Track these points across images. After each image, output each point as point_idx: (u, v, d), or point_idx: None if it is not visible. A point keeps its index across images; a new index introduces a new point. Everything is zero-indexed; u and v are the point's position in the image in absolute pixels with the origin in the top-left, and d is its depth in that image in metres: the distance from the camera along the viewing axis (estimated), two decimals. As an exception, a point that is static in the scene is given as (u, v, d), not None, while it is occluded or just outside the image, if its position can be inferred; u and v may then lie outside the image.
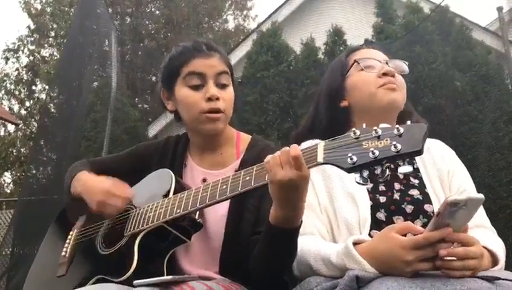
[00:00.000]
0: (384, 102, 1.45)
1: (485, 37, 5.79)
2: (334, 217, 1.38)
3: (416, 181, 1.43)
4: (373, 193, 1.39)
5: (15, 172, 15.92)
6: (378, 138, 0.98)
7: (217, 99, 1.46)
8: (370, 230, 1.32)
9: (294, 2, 7.87)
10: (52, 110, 5.87)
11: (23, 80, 16.94)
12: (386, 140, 0.96)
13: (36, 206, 4.75)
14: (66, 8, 15.77)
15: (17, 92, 17.06)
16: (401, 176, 1.43)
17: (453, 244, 1.06)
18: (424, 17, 5.45)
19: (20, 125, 15.86)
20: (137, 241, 1.35)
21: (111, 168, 1.66)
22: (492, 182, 4.55)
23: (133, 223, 1.41)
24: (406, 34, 5.26)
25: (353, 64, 1.54)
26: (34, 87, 16.86)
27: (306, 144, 1.15)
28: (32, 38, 16.78)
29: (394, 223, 1.32)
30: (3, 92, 17.00)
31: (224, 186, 1.23)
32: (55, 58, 15.71)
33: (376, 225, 1.33)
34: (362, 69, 1.51)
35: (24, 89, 16.99)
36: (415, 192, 1.40)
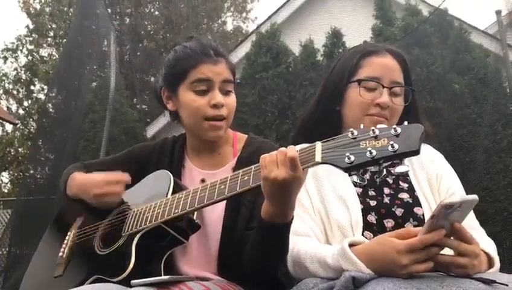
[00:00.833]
0: None
1: (483, 40, 5.79)
2: (327, 219, 1.39)
3: (405, 185, 1.44)
4: (363, 197, 1.40)
5: (13, 172, 15.91)
6: (376, 138, 0.98)
7: (222, 106, 1.47)
8: (363, 232, 1.33)
9: (293, 4, 7.88)
10: (51, 110, 5.87)
11: (22, 80, 16.93)
12: (384, 140, 0.97)
13: (34, 206, 4.75)
14: (65, 8, 15.77)
15: (15, 92, 17.06)
16: (391, 181, 1.44)
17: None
18: (423, 20, 5.46)
19: (18, 125, 15.85)
20: (134, 242, 1.35)
21: (107, 170, 1.67)
22: (490, 185, 4.55)
23: (131, 223, 1.41)
24: (404, 36, 5.27)
25: (356, 81, 1.49)
26: (32, 87, 16.86)
27: (301, 146, 1.16)
28: (31, 38, 16.78)
29: (385, 226, 1.33)
30: (1, 91, 17.01)
31: (222, 186, 1.23)
32: (54, 58, 15.71)
33: (368, 227, 1.34)
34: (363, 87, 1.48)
35: (22, 88, 16.99)
36: (404, 195, 1.41)
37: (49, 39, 16.62)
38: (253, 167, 1.18)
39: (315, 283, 1.22)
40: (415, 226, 1.33)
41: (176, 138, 1.69)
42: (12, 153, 16.00)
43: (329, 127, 1.44)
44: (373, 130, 0.99)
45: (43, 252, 1.70)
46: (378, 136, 0.98)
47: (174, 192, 1.39)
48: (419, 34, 5.22)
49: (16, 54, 16.96)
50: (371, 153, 0.97)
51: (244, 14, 17.79)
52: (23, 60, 17.01)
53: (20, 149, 16.02)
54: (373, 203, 1.38)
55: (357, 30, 6.02)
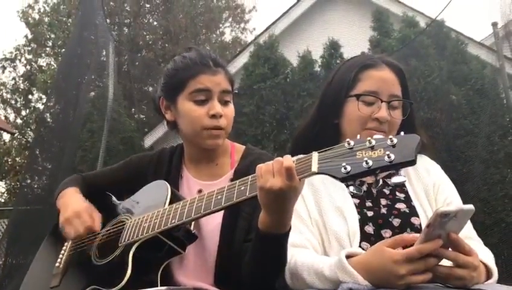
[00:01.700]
0: None
1: (480, 51, 5.84)
2: (324, 230, 1.39)
3: (402, 195, 1.45)
4: (360, 208, 1.40)
5: (9, 181, 15.85)
6: (372, 148, 0.99)
7: (220, 116, 1.48)
8: (360, 242, 1.33)
9: (291, 15, 7.93)
10: (48, 119, 5.87)
11: (20, 89, 16.94)
12: (380, 150, 0.98)
13: (30, 216, 4.73)
14: (64, 18, 15.84)
15: (13, 101, 17.06)
16: (387, 191, 1.44)
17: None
18: (420, 31, 5.51)
19: (16, 135, 15.83)
20: (131, 252, 1.35)
21: (105, 181, 1.67)
22: (488, 196, 4.56)
23: (128, 234, 1.41)
24: (402, 47, 5.31)
25: (354, 96, 1.49)
26: (30, 97, 16.87)
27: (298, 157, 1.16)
28: (30, 48, 16.82)
29: (383, 236, 1.33)
30: (-1, 101, 17.00)
31: (219, 196, 1.23)
32: (52, 67, 15.73)
33: (365, 237, 1.34)
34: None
35: (20, 98, 16.99)
36: (401, 206, 1.41)
37: (47, 49, 16.67)
38: (250, 177, 1.18)
39: (312, 295, 1.22)
40: None
41: (173, 148, 1.69)
42: (9, 163, 15.96)
43: (327, 140, 1.44)
44: (369, 140, 0.99)
45: (40, 263, 1.69)
46: (375, 146, 0.99)
47: (171, 202, 1.39)
48: (417, 46, 5.26)
49: (14, 64, 16.99)
50: (367, 163, 0.97)
51: (242, 25, 17.89)
52: (21, 69, 17.05)
53: (17, 158, 15.98)
54: (370, 213, 1.38)
55: (355, 41, 6.05)
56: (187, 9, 14.83)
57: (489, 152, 4.67)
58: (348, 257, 1.15)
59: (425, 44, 5.28)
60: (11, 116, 17.13)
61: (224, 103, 1.51)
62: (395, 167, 0.97)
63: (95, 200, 1.61)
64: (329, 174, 1.02)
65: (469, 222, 1.40)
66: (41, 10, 16.80)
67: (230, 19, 17.69)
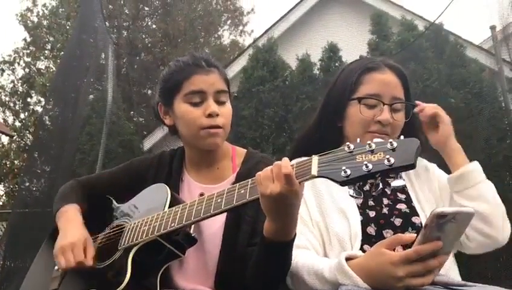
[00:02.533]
0: None
1: (478, 55, 5.86)
2: (326, 231, 1.39)
3: (403, 196, 1.46)
4: (363, 208, 1.41)
5: (8, 184, 15.81)
6: (372, 152, 0.99)
7: (217, 115, 1.48)
8: (362, 245, 1.33)
9: (290, 18, 7.95)
10: (47, 122, 5.86)
11: (19, 92, 16.92)
12: (380, 154, 0.98)
13: (29, 219, 4.72)
14: (63, 22, 15.82)
15: (12, 104, 17.04)
16: (389, 192, 1.45)
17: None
18: (419, 35, 5.52)
19: (15, 137, 15.80)
20: (130, 255, 1.35)
21: (105, 184, 1.67)
22: (486, 199, 4.55)
23: (128, 237, 1.41)
24: (400, 51, 5.32)
25: (356, 99, 1.50)
26: (29, 99, 16.85)
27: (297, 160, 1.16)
28: (29, 51, 16.81)
29: (384, 236, 1.34)
30: (-3, 103, 16.98)
31: (219, 200, 1.23)
32: (51, 70, 15.73)
33: (367, 239, 1.34)
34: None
35: (19, 101, 16.97)
36: (402, 206, 1.42)
37: (46, 52, 16.66)
38: (250, 180, 1.18)
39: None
40: None
41: (174, 151, 1.69)
42: (8, 165, 15.93)
43: (330, 143, 1.45)
44: (369, 144, 1.00)
45: (39, 266, 1.69)
46: (375, 150, 0.99)
47: (171, 205, 1.39)
48: (415, 49, 5.27)
49: (13, 67, 16.98)
50: (367, 166, 0.97)
51: (240, 28, 17.91)
52: (20, 72, 17.04)
53: (15, 161, 15.95)
54: (372, 214, 1.39)
55: (354, 45, 6.07)
56: (186, 13, 14.84)
57: (487, 155, 4.68)
58: (347, 259, 1.16)
59: (423, 47, 5.30)
60: (10, 119, 17.11)
61: (221, 103, 1.51)
62: (394, 171, 0.97)
63: (95, 204, 1.62)
64: (329, 178, 1.02)
65: None
66: (40, 13, 16.81)
67: (229, 22, 17.71)
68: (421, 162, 1.57)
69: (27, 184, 5.44)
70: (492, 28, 5.38)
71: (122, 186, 1.63)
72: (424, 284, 1.05)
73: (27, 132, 16.13)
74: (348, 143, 1.03)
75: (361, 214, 1.39)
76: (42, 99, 15.36)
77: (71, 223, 1.52)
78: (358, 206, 1.41)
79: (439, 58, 5.30)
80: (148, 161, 1.69)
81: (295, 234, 1.20)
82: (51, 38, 16.12)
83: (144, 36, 15.43)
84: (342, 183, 1.01)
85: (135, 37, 14.59)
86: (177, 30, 14.62)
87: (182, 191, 1.57)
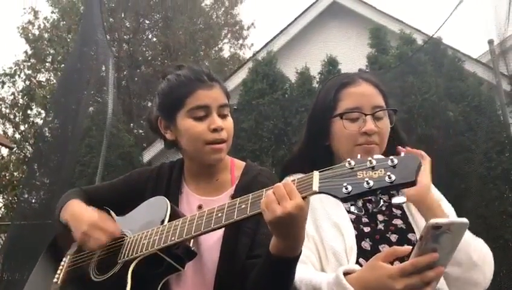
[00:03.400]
0: None
1: (476, 68, 5.89)
2: (321, 246, 1.39)
3: (398, 212, 1.46)
4: (357, 224, 1.41)
5: (7, 196, 15.75)
6: (373, 168, 0.99)
7: (222, 130, 1.48)
8: (357, 259, 1.33)
9: (289, 32, 8.00)
10: (47, 134, 5.87)
11: (19, 104, 16.94)
12: (381, 171, 0.98)
13: (28, 231, 4.70)
14: (64, 34, 15.89)
15: (12, 116, 17.05)
16: (384, 207, 1.45)
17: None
18: (417, 48, 5.56)
19: (14, 149, 15.79)
20: (130, 269, 1.35)
21: (105, 196, 1.66)
22: (485, 212, 4.56)
23: (127, 250, 1.40)
24: (399, 64, 5.35)
25: (337, 115, 1.51)
26: (29, 112, 16.86)
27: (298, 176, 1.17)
28: (29, 63, 16.87)
29: (380, 251, 1.33)
30: (-3, 115, 16.98)
31: (219, 214, 1.23)
32: (52, 83, 15.77)
33: (362, 253, 1.34)
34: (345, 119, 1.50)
35: (19, 113, 16.98)
36: (398, 222, 1.42)
37: (47, 64, 16.71)
38: (250, 195, 1.18)
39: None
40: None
41: (173, 163, 1.69)
42: (7, 177, 15.88)
43: (321, 161, 1.45)
44: (370, 160, 1.00)
45: (37, 278, 1.68)
46: (375, 166, 0.99)
47: (171, 219, 1.39)
48: (414, 62, 5.31)
49: (14, 79, 17.02)
50: (368, 183, 0.97)
51: (240, 41, 18.01)
52: (20, 84, 17.07)
53: (15, 173, 15.90)
54: (367, 229, 1.39)
55: (353, 58, 6.11)
56: (186, 26, 14.93)
57: (486, 168, 4.69)
58: (345, 274, 1.16)
59: (422, 61, 5.33)
60: (10, 131, 17.10)
61: (223, 117, 1.52)
62: (395, 188, 0.98)
63: None
64: (330, 194, 1.03)
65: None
66: (41, 26, 16.88)
67: (229, 35, 17.82)
68: None
69: (26, 196, 5.44)
70: (490, 42, 5.42)
71: (122, 198, 1.62)
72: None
73: (27, 144, 16.12)
74: (348, 159, 1.04)
75: (355, 229, 1.39)
76: (42, 111, 15.37)
77: (81, 209, 1.52)
78: (352, 221, 1.41)
79: (437, 71, 5.33)
80: (148, 172, 1.68)
81: (301, 251, 1.19)
82: (52, 51, 16.17)
83: (144, 49, 15.51)
84: (344, 200, 1.01)
85: (136, 50, 14.67)
86: (178, 43, 14.70)
87: (181, 203, 1.57)
